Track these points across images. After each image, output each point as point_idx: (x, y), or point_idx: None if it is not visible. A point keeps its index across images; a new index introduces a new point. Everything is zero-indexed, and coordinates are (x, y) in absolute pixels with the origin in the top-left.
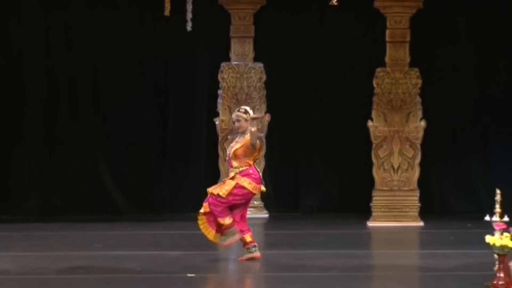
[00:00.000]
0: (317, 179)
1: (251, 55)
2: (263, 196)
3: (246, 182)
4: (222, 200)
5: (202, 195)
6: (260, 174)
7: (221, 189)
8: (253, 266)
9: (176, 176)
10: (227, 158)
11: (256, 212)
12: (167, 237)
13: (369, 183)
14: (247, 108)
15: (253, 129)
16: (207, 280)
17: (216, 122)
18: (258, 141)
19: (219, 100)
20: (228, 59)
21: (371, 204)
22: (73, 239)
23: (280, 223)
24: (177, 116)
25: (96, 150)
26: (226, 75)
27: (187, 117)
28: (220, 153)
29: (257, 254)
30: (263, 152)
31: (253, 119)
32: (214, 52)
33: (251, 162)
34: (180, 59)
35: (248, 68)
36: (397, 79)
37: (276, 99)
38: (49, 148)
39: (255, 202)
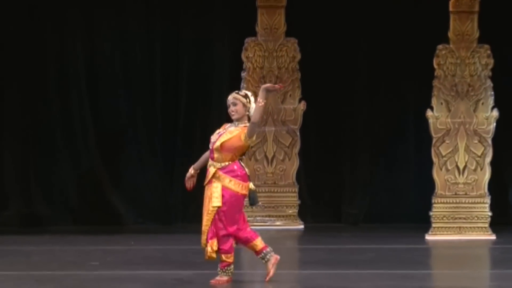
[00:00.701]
0: (363, 183)
1: (283, 28)
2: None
3: (232, 183)
4: (226, 231)
5: None
6: (247, 170)
7: (209, 214)
8: None
9: None
10: (210, 147)
11: (289, 223)
12: (178, 253)
13: (428, 187)
14: (248, 93)
15: (262, 103)
16: None
17: None
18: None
19: (243, 84)
20: (254, 33)
21: (430, 213)
22: (63, 256)
23: (318, 236)
24: (190, 106)
25: (91, 148)
26: (251, 53)
27: (203, 106)
28: None
29: (275, 258)
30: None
31: (266, 89)
32: (237, 25)
33: (236, 157)
34: (195, 35)
35: (279, 45)
36: (463, 58)
37: (313, 84)
38: (33, 144)
39: (288, 210)
